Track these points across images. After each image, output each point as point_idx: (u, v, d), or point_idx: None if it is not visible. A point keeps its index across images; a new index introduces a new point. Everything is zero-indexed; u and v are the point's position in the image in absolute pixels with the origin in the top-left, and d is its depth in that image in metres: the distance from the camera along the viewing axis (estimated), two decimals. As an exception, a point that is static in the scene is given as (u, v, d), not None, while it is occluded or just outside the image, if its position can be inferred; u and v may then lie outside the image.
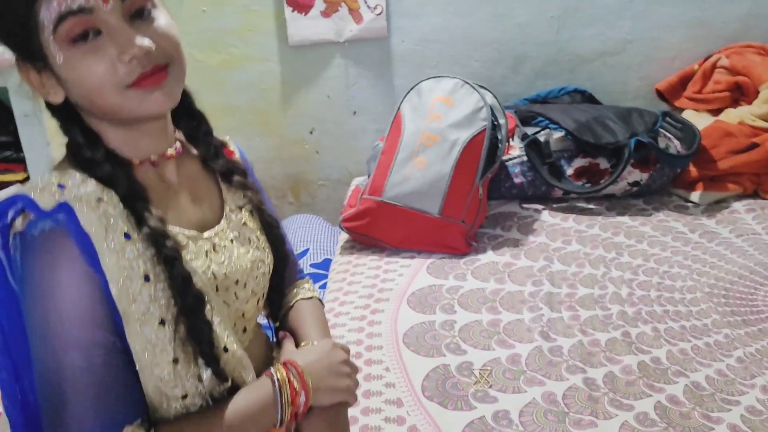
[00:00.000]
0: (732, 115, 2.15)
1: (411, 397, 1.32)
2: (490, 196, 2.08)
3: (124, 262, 0.75)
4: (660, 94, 2.36)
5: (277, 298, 1.04)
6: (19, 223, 0.75)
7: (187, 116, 0.93)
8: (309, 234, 2.32)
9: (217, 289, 0.86)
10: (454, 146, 1.86)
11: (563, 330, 1.49)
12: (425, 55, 2.37)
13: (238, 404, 0.82)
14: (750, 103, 2.16)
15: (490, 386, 1.33)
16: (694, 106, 2.26)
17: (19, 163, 2.67)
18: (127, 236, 0.77)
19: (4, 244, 0.76)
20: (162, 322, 0.77)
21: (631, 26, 2.33)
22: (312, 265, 2.16)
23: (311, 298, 1.07)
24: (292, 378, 0.85)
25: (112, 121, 0.81)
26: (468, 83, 1.92)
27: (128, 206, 0.79)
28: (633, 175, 2.06)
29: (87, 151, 0.80)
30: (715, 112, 2.21)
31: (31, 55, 0.77)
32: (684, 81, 2.32)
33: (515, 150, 2.13)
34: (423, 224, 1.85)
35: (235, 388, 0.84)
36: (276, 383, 0.84)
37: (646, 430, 1.17)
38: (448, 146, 1.86)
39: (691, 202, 2.07)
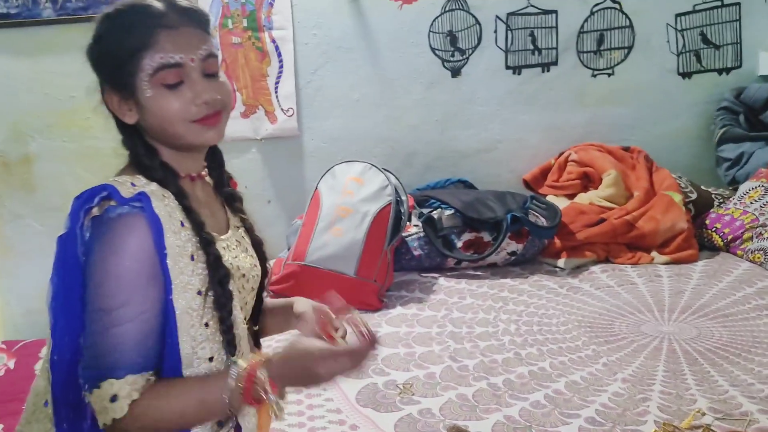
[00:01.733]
0: (583, 198, 2.65)
1: (348, 406, 1.56)
2: (393, 268, 2.41)
3: (179, 242, 1.00)
4: (527, 184, 2.85)
5: (259, 304, 1.28)
6: (96, 210, 0.98)
7: (209, 150, 1.21)
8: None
9: (233, 278, 1.11)
10: (365, 217, 2.20)
11: (467, 354, 1.80)
12: (331, 151, 2.75)
13: (209, 382, 1.00)
14: (596, 188, 2.68)
15: (413, 395, 1.60)
16: (554, 192, 2.75)
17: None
18: (182, 224, 1.02)
19: (82, 224, 0.99)
20: (199, 292, 1.01)
21: (500, 129, 2.84)
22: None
23: None
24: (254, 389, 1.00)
25: (168, 144, 1.08)
26: (375, 166, 2.30)
27: (180, 203, 1.04)
28: (511, 246, 2.47)
29: (146, 159, 1.06)
30: (570, 196, 2.71)
31: (122, 86, 1.03)
32: (545, 172, 2.82)
33: (413, 228, 2.50)
34: (341, 283, 2.14)
35: None
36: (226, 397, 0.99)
37: (538, 411, 1.48)
38: (360, 217, 2.20)
39: (559, 267, 2.49)
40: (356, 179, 2.28)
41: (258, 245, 1.24)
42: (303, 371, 1.03)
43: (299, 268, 2.15)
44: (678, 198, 2.58)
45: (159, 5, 1.03)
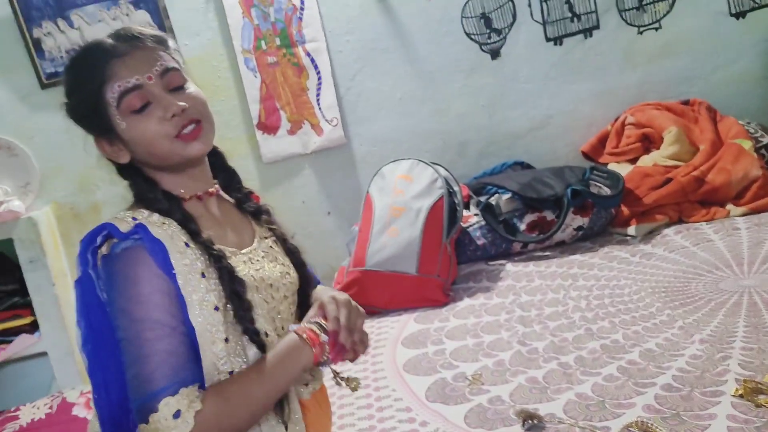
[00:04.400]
0: (646, 160, 2.54)
1: (417, 404, 1.54)
2: (459, 260, 2.38)
3: (186, 261, 1.03)
4: (586, 155, 2.75)
5: (305, 309, 1.29)
6: (104, 249, 1.03)
7: (222, 171, 1.25)
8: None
9: (257, 290, 1.12)
10: (419, 213, 2.18)
11: (536, 337, 1.75)
12: (382, 154, 2.74)
13: (268, 356, 1.05)
14: (658, 148, 2.56)
15: (482, 384, 1.56)
16: (615, 159, 2.65)
17: (26, 307, 2.89)
18: (186, 245, 1.04)
19: (94, 264, 1.03)
20: (216, 308, 1.03)
21: (550, 104, 2.76)
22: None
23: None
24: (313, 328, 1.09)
25: (165, 169, 1.12)
26: (422, 161, 2.29)
27: (184, 227, 1.07)
28: (576, 221, 2.40)
29: (148, 193, 1.10)
30: (632, 161, 2.60)
31: (103, 129, 1.08)
32: (603, 140, 2.72)
33: (473, 218, 2.46)
34: (404, 283, 2.13)
35: None
36: (301, 336, 1.07)
37: (611, 385, 1.42)
38: (414, 214, 2.19)
39: (630, 236, 2.39)
40: (405, 177, 2.27)
41: (292, 253, 1.25)
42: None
43: (361, 273, 2.15)
44: (748, 145, 2.44)
45: (107, 40, 1.08)
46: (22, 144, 2.71)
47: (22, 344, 2.74)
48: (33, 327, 2.79)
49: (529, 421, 1.32)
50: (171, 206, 1.09)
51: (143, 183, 1.11)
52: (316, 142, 2.72)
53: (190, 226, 1.08)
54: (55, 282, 2.76)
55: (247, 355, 1.06)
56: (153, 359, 0.97)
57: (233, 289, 1.05)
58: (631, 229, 2.40)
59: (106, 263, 1.02)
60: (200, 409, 0.96)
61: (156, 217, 1.07)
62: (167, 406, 0.94)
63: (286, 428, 1.07)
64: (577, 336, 1.70)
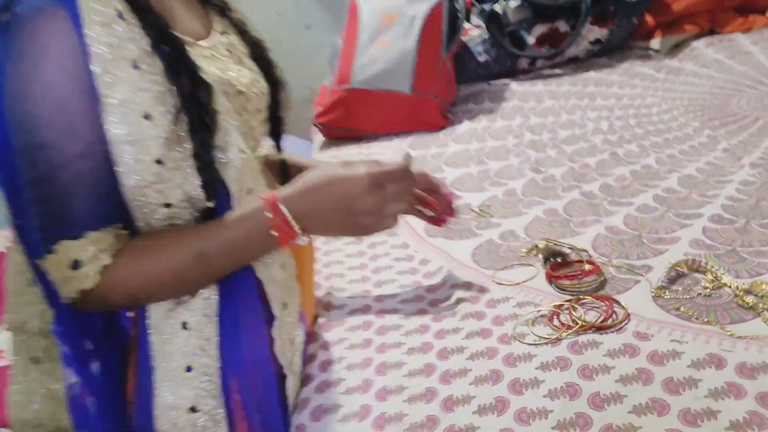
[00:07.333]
0: (679, -41, 2.17)
1: (415, 239, 1.32)
2: (457, 80, 2.08)
3: (112, 39, 0.72)
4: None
5: (276, 125, 1.03)
6: (3, 16, 0.71)
7: None
8: (283, 151, 2.30)
9: (227, 96, 0.84)
10: (414, 21, 1.85)
11: (552, 163, 1.51)
12: (369, -45, 2.34)
13: (194, 243, 0.77)
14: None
15: (491, 217, 1.34)
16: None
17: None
18: (119, 15, 0.73)
19: None
20: (146, 116, 0.73)
21: None
22: (292, 177, 2.15)
23: None
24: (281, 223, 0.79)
25: None
26: (418, -43, 1.91)
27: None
28: (593, 32, 2.08)
29: None
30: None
31: None
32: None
33: (474, 30, 2.13)
34: (397, 104, 1.85)
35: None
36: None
37: (647, 216, 1.20)
38: (408, 21, 1.86)
39: (652, 49, 2.10)
40: (397, -23, 1.91)
41: (257, 50, 0.96)
42: (341, 204, 0.80)
43: (346, 93, 1.86)
44: (799, -61, 2.08)
45: None
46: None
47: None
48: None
49: (552, 259, 1.11)
50: None
51: None
52: (291, -60, 2.31)
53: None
54: None
55: (186, 187, 0.77)
56: (59, 182, 0.71)
57: (194, 94, 0.75)
58: (655, 42, 2.10)
59: (5, 33, 0.71)
60: (108, 264, 0.73)
61: None
62: (65, 251, 0.71)
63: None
64: (600, 161, 1.46)
